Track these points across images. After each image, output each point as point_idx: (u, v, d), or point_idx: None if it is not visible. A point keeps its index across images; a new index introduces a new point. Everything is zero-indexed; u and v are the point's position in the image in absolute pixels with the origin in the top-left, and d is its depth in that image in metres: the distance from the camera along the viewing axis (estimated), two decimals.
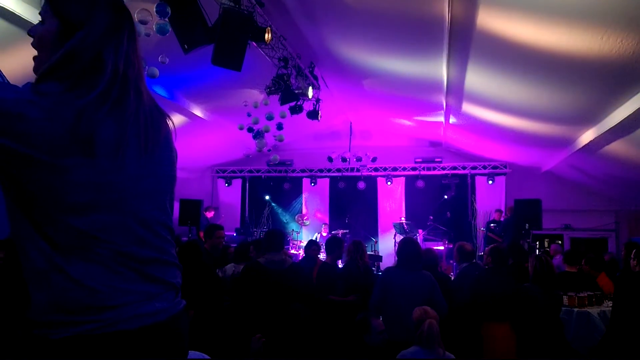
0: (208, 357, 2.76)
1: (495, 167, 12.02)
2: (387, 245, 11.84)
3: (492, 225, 10.63)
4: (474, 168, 12.20)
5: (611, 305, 4.96)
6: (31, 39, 1.32)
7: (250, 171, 13.54)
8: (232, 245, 7.32)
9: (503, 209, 11.15)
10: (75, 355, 1.15)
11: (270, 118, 8.19)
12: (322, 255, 10.10)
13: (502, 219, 10.79)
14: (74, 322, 1.16)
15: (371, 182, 12.86)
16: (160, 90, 7.57)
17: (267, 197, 13.40)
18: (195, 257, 4.38)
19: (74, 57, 1.23)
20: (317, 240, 11.25)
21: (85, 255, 1.18)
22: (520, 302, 4.54)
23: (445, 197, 12.06)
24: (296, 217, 12.78)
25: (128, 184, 1.24)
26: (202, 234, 9.08)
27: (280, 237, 4.46)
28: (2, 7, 4.68)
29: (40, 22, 1.29)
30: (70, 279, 1.16)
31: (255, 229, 12.52)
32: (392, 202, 12.81)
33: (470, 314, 4.70)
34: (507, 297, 4.55)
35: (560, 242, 10.70)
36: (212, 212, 11.38)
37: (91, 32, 1.26)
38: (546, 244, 10.25)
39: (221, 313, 4.50)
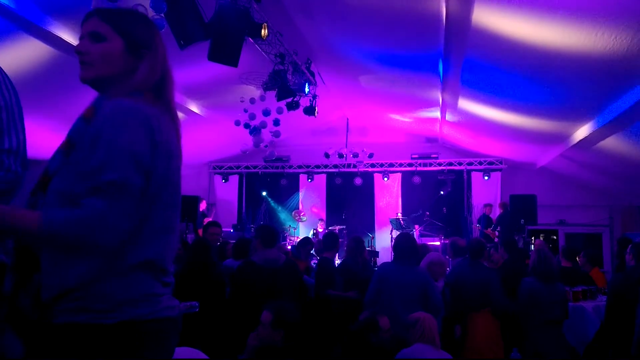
0: (207, 357, 2.78)
1: (491, 163, 12.06)
2: (383, 240, 11.87)
3: (490, 219, 10.64)
4: (469, 164, 12.23)
5: (605, 300, 5.00)
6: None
7: (247, 167, 13.54)
8: (231, 241, 7.33)
9: (497, 204, 11.19)
10: (130, 339, 1.26)
11: (267, 114, 8.20)
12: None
13: (491, 214, 10.81)
14: (131, 306, 1.28)
15: (368, 178, 12.88)
16: None
17: (264, 193, 13.41)
18: (207, 254, 4.41)
19: (154, 74, 1.44)
20: (314, 235, 11.35)
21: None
22: (521, 296, 4.57)
23: (442, 192, 12.09)
24: (293, 213, 12.80)
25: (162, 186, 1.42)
26: (200, 231, 9.10)
27: (272, 233, 4.36)
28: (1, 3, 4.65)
29: (94, 39, 1.42)
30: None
31: (252, 225, 12.53)
32: (388, 197, 12.85)
33: (455, 307, 4.78)
34: (483, 285, 4.62)
35: (555, 237, 10.76)
36: (204, 204, 11.30)
37: (159, 51, 1.47)
38: (540, 239, 10.29)
39: (222, 310, 4.52)
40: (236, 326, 3.96)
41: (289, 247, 9.70)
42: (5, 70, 1.86)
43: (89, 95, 1.47)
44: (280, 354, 3.14)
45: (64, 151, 1.36)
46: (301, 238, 7.98)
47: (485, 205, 11.05)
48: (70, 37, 5.33)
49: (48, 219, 1.20)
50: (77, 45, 1.43)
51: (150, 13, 4.75)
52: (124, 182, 1.23)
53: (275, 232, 4.42)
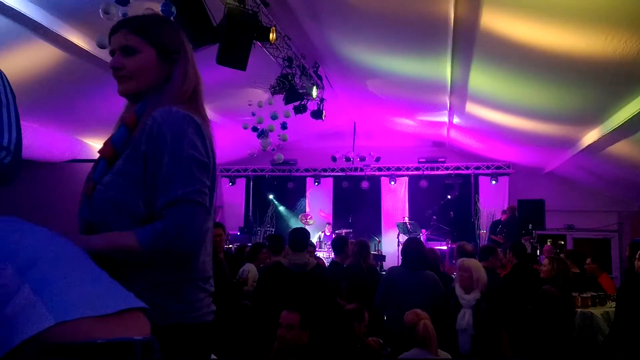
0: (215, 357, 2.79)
1: (498, 167, 12.01)
2: (390, 244, 11.84)
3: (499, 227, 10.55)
4: (477, 168, 12.20)
5: (614, 306, 4.96)
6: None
7: (254, 170, 13.56)
8: (249, 245, 7.54)
9: (506, 207, 11.10)
10: (176, 341, 1.30)
11: (274, 117, 8.22)
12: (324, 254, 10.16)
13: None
14: (189, 310, 1.34)
15: (375, 181, 12.87)
16: None
17: (271, 197, 13.43)
18: (216, 255, 4.43)
19: (189, 80, 1.46)
20: (322, 240, 11.36)
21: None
22: (541, 303, 4.50)
23: (449, 197, 12.05)
24: (300, 216, 12.80)
25: None
26: None
27: (304, 237, 4.33)
28: (6, 5, 4.68)
29: (126, 53, 1.43)
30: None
31: (259, 228, 12.56)
32: (395, 201, 12.82)
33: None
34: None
35: (563, 242, 10.68)
36: None
37: (188, 53, 1.48)
38: (549, 244, 10.21)
39: (239, 313, 4.51)
40: (258, 327, 3.97)
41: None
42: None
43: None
44: (309, 353, 3.17)
45: (108, 159, 1.37)
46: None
47: (503, 212, 10.88)
48: (80, 40, 5.37)
49: (142, 235, 1.25)
50: (111, 61, 1.44)
51: None
52: (198, 192, 1.30)
53: (304, 236, 4.37)
